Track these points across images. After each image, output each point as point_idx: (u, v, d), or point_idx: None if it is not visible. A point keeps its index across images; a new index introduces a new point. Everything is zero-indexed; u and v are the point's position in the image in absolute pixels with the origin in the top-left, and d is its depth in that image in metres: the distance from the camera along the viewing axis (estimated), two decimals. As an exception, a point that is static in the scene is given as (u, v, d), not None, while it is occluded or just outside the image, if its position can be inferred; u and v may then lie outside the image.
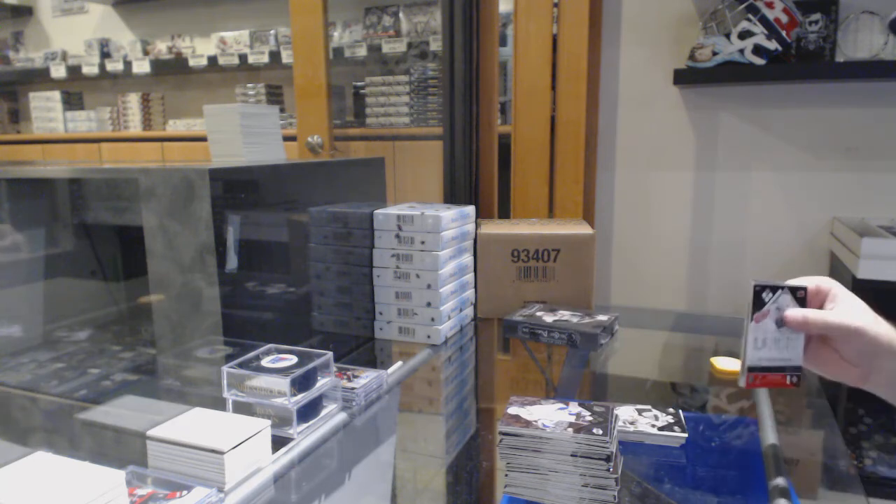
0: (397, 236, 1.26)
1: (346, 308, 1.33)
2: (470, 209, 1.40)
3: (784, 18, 1.77)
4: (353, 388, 0.97)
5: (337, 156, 2.36)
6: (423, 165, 2.40)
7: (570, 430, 0.70)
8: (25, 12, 3.83)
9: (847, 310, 0.72)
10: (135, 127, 3.42)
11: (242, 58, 3.10)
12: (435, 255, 1.24)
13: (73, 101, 3.63)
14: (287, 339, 0.99)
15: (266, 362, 0.89)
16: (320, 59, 2.23)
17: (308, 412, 0.88)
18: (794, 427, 1.02)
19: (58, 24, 3.78)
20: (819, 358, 0.75)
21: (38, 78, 3.63)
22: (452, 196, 1.92)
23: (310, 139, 2.31)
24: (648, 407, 0.94)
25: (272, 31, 3.16)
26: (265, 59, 3.06)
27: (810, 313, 0.72)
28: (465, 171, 1.91)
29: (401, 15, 2.84)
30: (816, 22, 1.84)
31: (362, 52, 2.78)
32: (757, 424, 0.94)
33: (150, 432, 0.74)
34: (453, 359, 1.27)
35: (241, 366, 0.88)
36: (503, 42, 2.28)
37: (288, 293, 1.36)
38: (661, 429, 0.87)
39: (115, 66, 3.39)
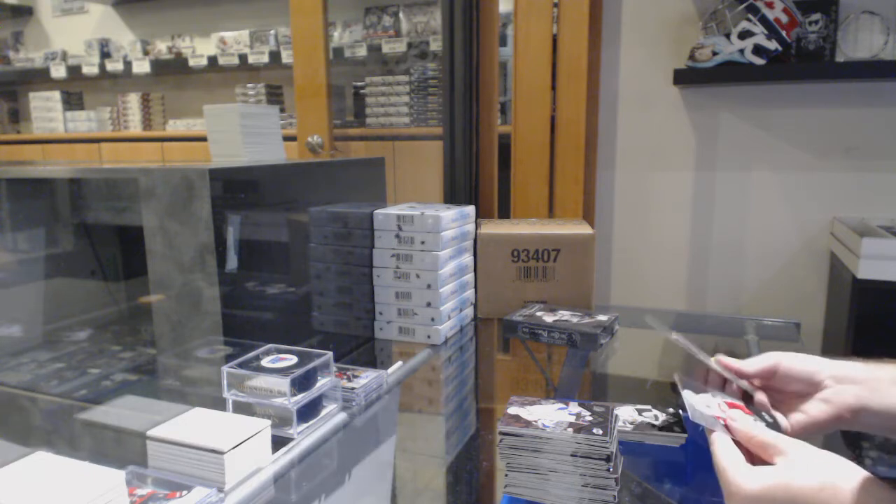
0: (397, 236, 1.26)
1: (346, 308, 1.33)
2: (470, 209, 1.40)
3: (784, 18, 1.76)
4: (353, 388, 0.97)
5: (337, 156, 2.36)
6: (423, 165, 2.40)
7: (570, 430, 0.70)
8: (25, 12, 3.83)
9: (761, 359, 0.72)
10: (135, 127, 3.42)
11: (242, 58, 3.10)
12: (435, 255, 1.24)
13: (73, 101, 3.63)
14: (287, 339, 0.99)
15: (266, 362, 0.89)
16: (320, 59, 2.23)
17: (308, 412, 0.88)
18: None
19: (58, 24, 3.78)
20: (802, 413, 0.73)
21: (38, 78, 3.63)
22: (452, 196, 1.92)
23: (310, 139, 2.31)
24: (648, 407, 0.94)
25: (272, 31, 3.16)
26: (265, 59, 3.06)
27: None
28: (465, 171, 1.91)
29: (401, 15, 2.84)
30: (816, 22, 1.84)
31: (362, 52, 2.78)
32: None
33: (150, 432, 0.74)
34: (453, 359, 1.27)
35: (241, 366, 0.88)
36: (503, 42, 2.27)
37: (288, 293, 1.36)
38: (661, 429, 0.87)
39: (115, 66, 3.39)
